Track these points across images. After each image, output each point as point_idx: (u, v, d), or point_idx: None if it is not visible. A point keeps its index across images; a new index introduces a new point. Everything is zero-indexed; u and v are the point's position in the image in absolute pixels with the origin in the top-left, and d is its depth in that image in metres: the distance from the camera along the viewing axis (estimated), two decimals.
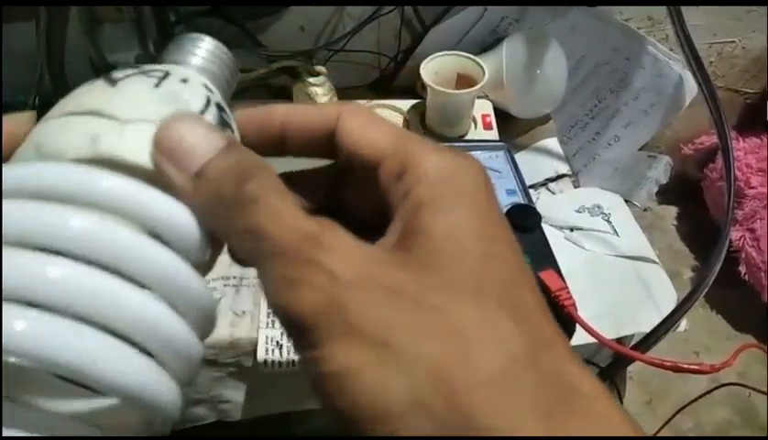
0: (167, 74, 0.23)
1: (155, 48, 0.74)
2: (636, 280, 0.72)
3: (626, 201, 0.87)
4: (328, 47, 0.85)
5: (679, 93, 0.96)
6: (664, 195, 1.23)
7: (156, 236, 0.20)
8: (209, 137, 0.21)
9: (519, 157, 0.79)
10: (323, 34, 0.87)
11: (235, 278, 0.66)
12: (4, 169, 0.20)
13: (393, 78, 0.93)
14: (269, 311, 0.63)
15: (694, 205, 1.28)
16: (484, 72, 0.78)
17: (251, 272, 0.64)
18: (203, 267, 0.22)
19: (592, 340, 0.56)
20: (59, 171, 0.19)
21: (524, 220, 0.64)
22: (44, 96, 0.69)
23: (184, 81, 0.23)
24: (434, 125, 0.81)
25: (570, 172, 0.86)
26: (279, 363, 0.60)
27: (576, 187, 0.86)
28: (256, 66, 0.82)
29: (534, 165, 0.85)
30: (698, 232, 1.28)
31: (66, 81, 0.72)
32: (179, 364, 0.20)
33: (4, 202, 0.19)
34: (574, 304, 0.57)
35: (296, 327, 0.19)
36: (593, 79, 0.97)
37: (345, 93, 0.85)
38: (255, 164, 0.21)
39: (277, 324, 0.62)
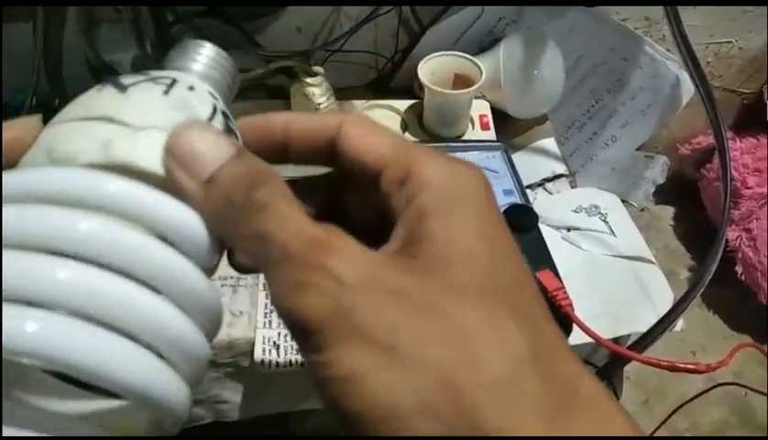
0: (174, 82, 0.23)
1: (152, 48, 0.74)
2: (633, 279, 0.72)
3: (623, 201, 0.87)
4: (325, 47, 0.85)
5: (676, 94, 0.96)
6: (661, 195, 1.23)
7: (166, 239, 0.20)
8: (219, 144, 0.21)
9: (516, 157, 0.79)
10: (320, 34, 0.87)
11: (232, 278, 0.66)
12: (15, 173, 0.20)
13: (390, 78, 0.93)
14: (267, 311, 0.64)
15: (690, 205, 1.29)
16: (481, 73, 0.78)
17: None
18: (209, 270, 0.22)
19: (589, 340, 0.56)
20: (70, 176, 0.20)
21: (521, 220, 0.64)
22: (41, 96, 0.69)
23: (191, 88, 0.24)
24: (432, 125, 0.81)
25: (567, 172, 0.86)
26: (277, 363, 0.60)
27: (573, 187, 0.86)
28: (253, 66, 0.82)
29: (531, 165, 0.85)
30: (695, 232, 1.29)
31: (63, 81, 0.72)
32: (187, 365, 0.20)
33: (14, 206, 0.19)
34: (571, 304, 0.57)
35: (302, 331, 0.19)
36: (590, 79, 0.97)
37: (342, 93, 0.85)
38: (264, 171, 0.21)
39: (274, 324, 0.62)
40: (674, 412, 0.98)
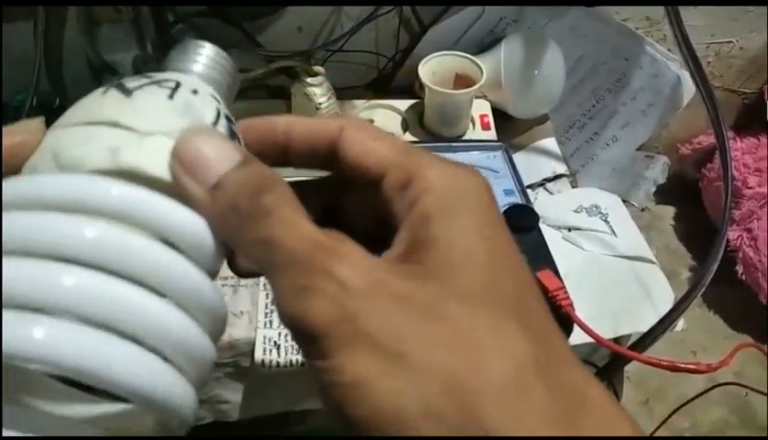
0: (178, 85, 0.23)
1: (153, 48, 0.74)
2: (633, 279, 0.72)
3: (624, 201, 0.87)
4: (326, 47, 0.85)
5: (677, 94, 0.96)
6: (662, 195, 1.23)
7: (172, 245, 0.20)
8: (225, 150, 0.21)
9: (517, 157, 0.79)
10: (321, 34, 0.87)
11: (232, 278, 0.66)
12: (22, 179, 0.20)
13: (391, 78, 0.93)
14: (267, 311, 0.64)
15: (691, 205, 1.29)
16: (482, 73, 0.78)
17: None
18: (213, 274, 0.22)
19: (589, 340, 0.56)
20: (77, 182, 0.20)
21: (522, 220, 0.64)
22: (42, 96, 0.69)
23: (195, 91, 0.24)
24: (432, 125, 0.81)
25: (568, 172, 0.86)
26: (277, 363, 0.60)
27: (573, 187, 0.86)
28: (254, 66, 0.82)
29: (532, 165, 0.85)
30: (696, 232, 1.29)
31: (64, 81, 0.72)
32: (193, 368, 0.20)
33: (20, 212, 0.19)
34: (571, 304, 0.57)
35: (307, 337, 0.19)
36: (591, 79, 0.97)
37: (343, 93, 0.85)
38: (270, 178, 0.21)
39: (274, 324, 0.62)
40: (674, 411, 0.98)
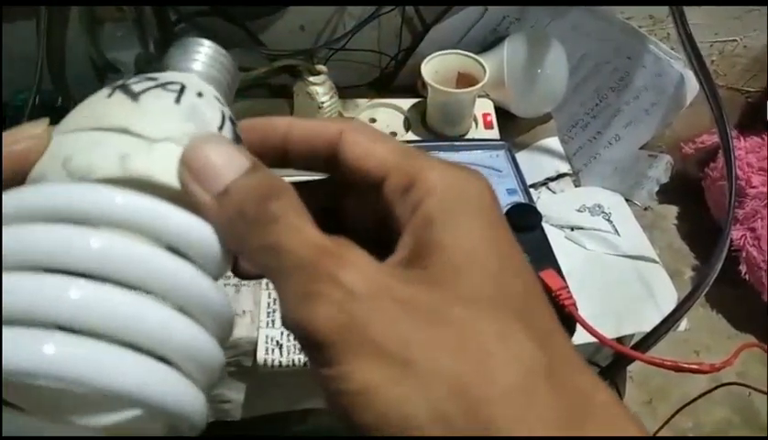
0: (183, 88, 0.23)
1: (155, 47, 0.74)
2: (636, 279, 0.72)
3: (627, 200, 0.87)
4: (329, 46, 0.85)
5: (680, 92, 0.96)
6: (665, 194, 1.23)
7: (179, 252, 0.20)
8: (233, 157, 0.21)
9: (519, 156, 0.79)
10: (323, 33, 0.87)
11: (234, 278, 0.66)
12: (24, 190, 0.20)
13: (394, 77, 0.93)
14: (269, 311, 0.64)
15: (694, 205, 1.28)
16: (485, 71, 0.78)
17: None
18: (218, 279, 0.22)
19: (592, 339, 0.56)
20: (81, 192, 0.20)
21: (525, 219, 0.64)
22: (44, 95, 0.69)
23: (200, 94, 0.24)
24: (435, 124, 0.81)
25: (571, 171, 0.86)
26: (279, 363, 0.60)
27: (576, 186, 0.86)
28: (256, 65, 0.82)
29: (535, 164, 0.84)
30: (699, 231, 1.28)
31: (66, 80, 0.72)
32: (202, 374, 0.20)
33: (26, 225, 0.19)
34: (574, 304, 0.57)
35: (313, 343, 0.19)
36: (594, 78, 0.97)
37: (345, 91, 0.85)
38: (277, 185, 0.21)
39: (277, 323, 0.62)
40: (677, 411, 0.98)
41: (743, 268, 1.13)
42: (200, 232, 0.21)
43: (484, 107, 0.85)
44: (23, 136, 0.21)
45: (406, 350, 0.18)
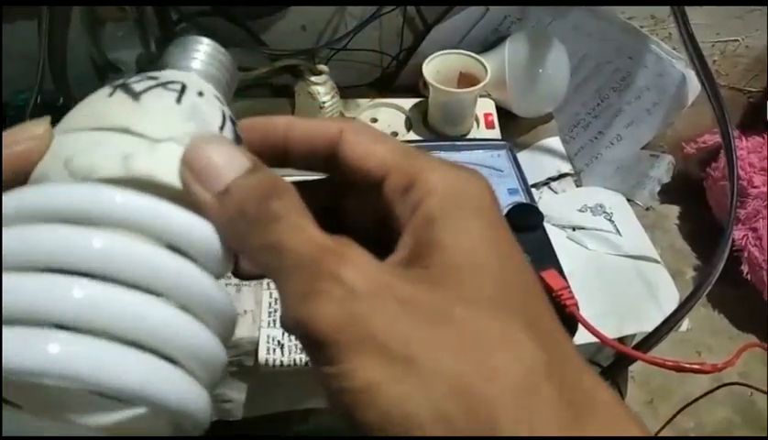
0: (184, 88, 0.23)
1: (157, 47, 0.74)
2: (638, 279, 0.72)
3: (628, 200, 0.87)
4: (330, 46, 0.85)
5: (682, 92, 0.96)
6: (667, 194, 1.23)
7: (181, 251, 0.20)
8: (235, 157, 0.21)
9: (521, 156, 0.79)
10: (325, 33, 0.87)
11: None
12: (24, 190, 0.20)
13: (395, 77, 0.93)
14: (271, 310, 0.63)
15: (696, 205, 1.28)
16: (486, 71, 0.78)
17: None
18: (221, 278, 0.22)
19: (594, 339, 0.56)
20: (81, 192, 0.20)
21: (526, 219, 0.64)
22: (45, 95, 0.69)
23: (200, 94, 0.24)
24: (437, 123, 0.81)
25: (572, 171, 0.85)
26: (281, 362, 0.60)
27: (578, 186, 0.86)
28: (258, 65, 0.82)
29: (537, 164, 0.84)
30: (700, 231, 1.28)
31: (68, 80, 0.72)
32: (205, 372, 0.20)
33: (29, 225, 0.19)
34: (576, 304, 0.57)
35: (314, 342, 0.19)
36: (595, 78, 0.97)
37: (347, 91, 0.85)
38: (278, 184, 0.21)
39: (278, 323, 0.62)
40: (679, 411, 0.98)
41: (745, 268, 1.13)
42: (201, 231, 0.21)
43: (485, 107, 0.85)
44: (25, 135, 0.21)
45: (407, 349, 0.18)
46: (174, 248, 0.20)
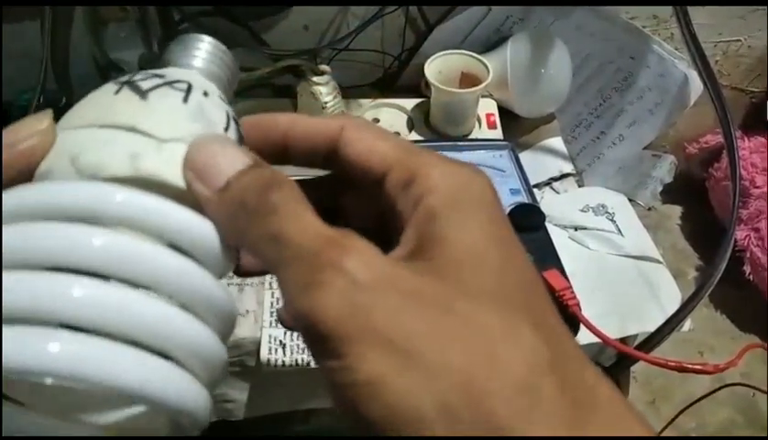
0: (190, 87, 0.23)
1: (159, 47, 0.74)
2: (640, 279, 0.72)
3: (630, 200, 0.87)
4: (332, 46, 0.85)
5: (684, 92, 0.96)
6: (669, 195, 1.23)
7: (183, 250, 0.20)
8: (235, 156, 0.22)
9: (523, 156, 0.79)
10: (327, 33, 0.87)
11: (238, 277, 0.66)
12: (26, 188, 0.20)
13: (397, 77, 0.93)
14: (273, 310, 0.64)
15: (698, 205, 1.28)
16: (488, 71, 0.78)
17: None
18: (223, 276, 0.22)
19: (596, 340, 0.56)
20: (83, 190, 0.20)
21: (528, 219, 0.64)
22: (48, 95, 0.69)
23: (206, 94, 0.24)
24: (438, 123, 0.81)
25: (574, 171, 0.85)
26: (283, 362, 0.60)
27: (580, 186, 0.86)
28: (260, 65, 0.82)
29: (538, 164, 0.84)
30: (703, 231, 1.28)
31: (70, 80, 0.72)
32: (206, 371, 0.20)
33: (34, 223, 0.19)
34: (578, 304, 0.57)
35: (316, 335, 0.18)
36: (597, 78, 0.97)
37: (349, 91, 0.85)
38: (278, 177, 0.21)
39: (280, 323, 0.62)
40: (681, 412, 0.98)
41: (747, 268, 1.13)
42: (201, 229, 0.21)
43: (487, 107, 0.85)
44: (28, 132, 0.21)
45: (411, 341, 0.18)
46: (175, 247, 0.20)
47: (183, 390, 0.19)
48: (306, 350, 0.61)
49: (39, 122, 0.22)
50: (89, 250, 0.18)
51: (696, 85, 0.93)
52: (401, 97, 0.86)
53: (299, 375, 0.62)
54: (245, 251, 0.23)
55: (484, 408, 0.17)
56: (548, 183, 0.84)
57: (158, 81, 0.23)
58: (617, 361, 0.69)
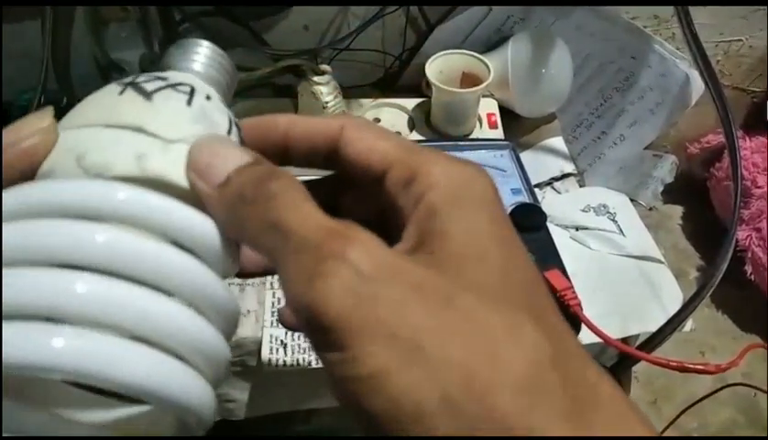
0: (193, 90, 0.24)
1: (160, 47, 0.74)
2: (641, 279, 0.72)
3: (631, 200, 0.87)
4: (333, 46, 0.85)
5: (685, 92, 0.96)
6: (670, 195, 1.22)
7: (186, 248, 0.20)
8: (237, 153, 0.22)
9: (524, 156, 0.78)
10: (327, 33, 0.87)
11: (239, 277, 0.66)
12: (30, 186, 0.20)
13: (398, 77, 0.93)
14: (274, 310, 0.63)
15: (699, 205, 1.28)
16: (489, 71, 0.78)
17: None
18: (226, 275, 0.22)
19: (597, 340, 0.56)
20: (87, 188, 0.20)
21: (529, 219, 0.64)
22: (49, 95, 0.69)
23: (208, 97, 0.24)
24: (439, 123, 0.81)
25: (575, 171, 0.85)
26: (284, 362, 0.60)
27: (581, 186, 0.85)
28: (260, 65, 0.82)
29: (540, 164, 0.84)
30: (704, 231, 1.28)
31: (71, 80, 0.72)
32: (210, 368, 0.20)
33: (37, 220, 0.19)
34: (579, 304, 0.57)
35: (319, 326, 0.18)
36: (598, 78, 0.97)
37: (349, 91, 0.85)
38: (276, 169, 0.21)
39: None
40: (682, 412, 0.98)
41: (749, 268, 1.13)
42: (204, 227, 0.21)
43: (488, 107, 0.85)
44: (30, 130, 0.21)
45: (416, 335, 0.18)
46: (179, 245, 0.20)
47: (188, 386, 0.19)
48: (308, 350, 0.61)
49: (41, 120, 0.21)
50: (92, 247, 0.18)
51: (698, 85, 0.93)
52: (402, 97, 0.86)
53: (300, 375, 0.62)
54: (246, 248, 0.23)
55: (486, 403, 0.17)
56: (549, 183, 0.84)
57: (161, 83, 0.23)
58: (618, 361, 0.69)
